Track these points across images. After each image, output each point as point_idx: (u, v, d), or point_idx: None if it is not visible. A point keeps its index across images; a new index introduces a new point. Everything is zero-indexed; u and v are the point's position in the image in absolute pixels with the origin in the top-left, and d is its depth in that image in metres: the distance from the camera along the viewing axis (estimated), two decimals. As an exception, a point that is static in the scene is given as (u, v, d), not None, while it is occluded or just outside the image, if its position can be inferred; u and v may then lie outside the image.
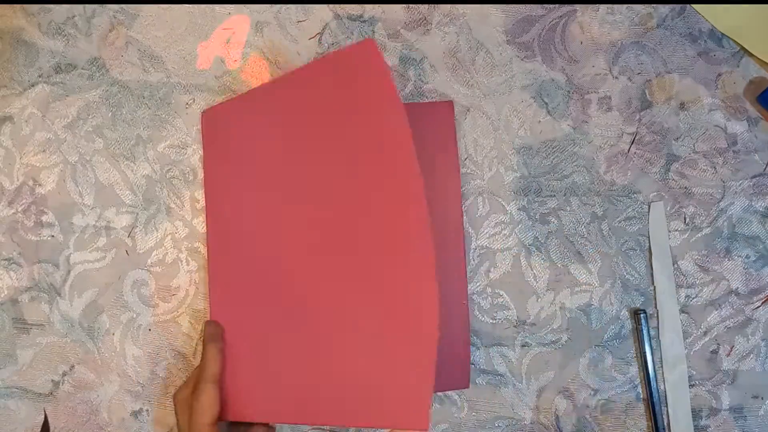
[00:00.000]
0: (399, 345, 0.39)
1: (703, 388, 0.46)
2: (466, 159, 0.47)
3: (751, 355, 0.46)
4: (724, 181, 0.46)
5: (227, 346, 0.43)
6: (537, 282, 0.46)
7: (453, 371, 0.45)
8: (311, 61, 0.44)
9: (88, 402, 0.47)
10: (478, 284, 0.46)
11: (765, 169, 0.46)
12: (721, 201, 0.46)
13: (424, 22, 0.47)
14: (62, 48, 0.48)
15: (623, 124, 0.47)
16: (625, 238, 0.46)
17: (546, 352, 0.46)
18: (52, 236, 0.47)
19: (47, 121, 0.47)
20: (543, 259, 0.46)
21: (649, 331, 0.45)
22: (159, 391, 0.47)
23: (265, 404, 0.42)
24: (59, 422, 0.47)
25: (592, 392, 0.46)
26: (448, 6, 0.47)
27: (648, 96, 0.47)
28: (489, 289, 0.46)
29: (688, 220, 0.46)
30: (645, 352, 0.45)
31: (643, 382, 0.46)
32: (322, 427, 0.46)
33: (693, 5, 0.47)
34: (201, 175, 0.47)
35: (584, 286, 0.46)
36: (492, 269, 0.46)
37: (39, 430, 0.47)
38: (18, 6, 0.48)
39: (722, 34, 0.47)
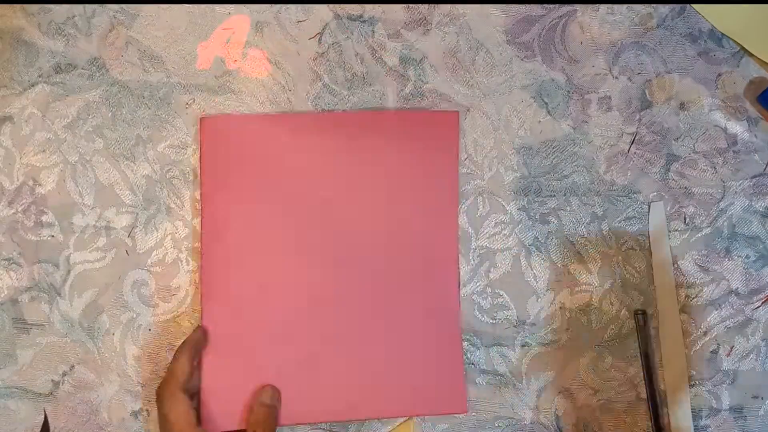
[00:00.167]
0: (423, 331, 0.45)
1: (703, 388, 0.46)
2: (466, 159, 0.47)
3: (751, 355, 0.46)
4: (724, 181, 0.46)
5: (246, 353, 0.44)
6: (537, 282, 0.46)
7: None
8: (392, 111, 0.47)
9: (88, 402, 0.47)
10: (478, 284, 0.46)
11: (765, 169, 0.46)
12: (721, 201, 0.46)
13: (424, 22, 0.47)
14: (62, 48, 0.48)
15: (623, 124, 0.47)
16: (625, 238, 0.46)
17: (546, 352, 0.46)
18: (52, 236, 0.47)
19: (47, 121, 0.47)
20: (543, 259, 0.46)
21: (649, 331, 0.45)
22: (159, 391, 0.47)
23: (299, 406, 0.44)
24: (59, 422, 0.47)
25: (592, 392, 0.46)
26: (448, 6, 0.47)
27: (648, 96, 0.47)
28: (489, 289, 0.46)
29: (688, 220, 0.46)
30: (645, 352, 0.45)
31: (644, 382, 0.46)
32: (321, 426, 0.46)
33: (693, 5, 0.47)
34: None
35: (584, 286, 0.46)
36: (492, 269, 0.46)
37: (39, 430, 0.47)
38: (18, 6, 0.48)
39: (722, 34, 0.47)
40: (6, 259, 0.47)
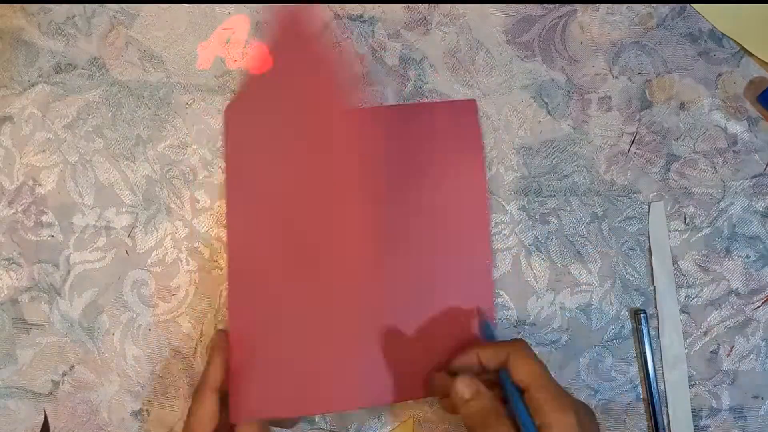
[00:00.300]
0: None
1: (703, 388, 0.46)
2: (466, 159, 0.47)
3: (751, 355, 0.46)
4: (724, 181, 0.46)
5: (254, 347, 0.43)
6: (537, 282, 0.46)
7: None
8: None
9: (88, 402, 0.47)
10: (478, 284, 0.46)
11: (765, 169, 0.46)
12: (721, 201, 0.46)
13: (424, 22, 0.47)
14: (62, 48, 0.48)
15: (623, 124, 0.47)
16: (625, 238, 0.46)
17: (546, 352, 0.46)
18: (52, 236, 0.47)
19: (47, 121, 0.47)
20: (543, 259, 0.46)
21: (649, 331, 0.45)
22: (159, 391, 0.47)
23: (306, 396, 0.43)
24: (59, 422, 0.47)
25: (592, 392, 0.46)
26: (448, 6, 0.47)
27: (648, 96, 0.47)
28: (489, 289, 0.46)
29: (688, 220, 0.46)
30: (645, 352, 0.45)
31: (643, 382, 0.46)
32: (321, 425, 0.46)
33: (693, 5, 0.47)
34: (201, 175, 0.47)
35: (584, 286, 0.46)
36: (492, 269, 0.46)
37: (39, 430, 0.47)
38: (18, 6, 0.48)
39: (722, 34, 0.47)
40: (6, 259, 0.47)
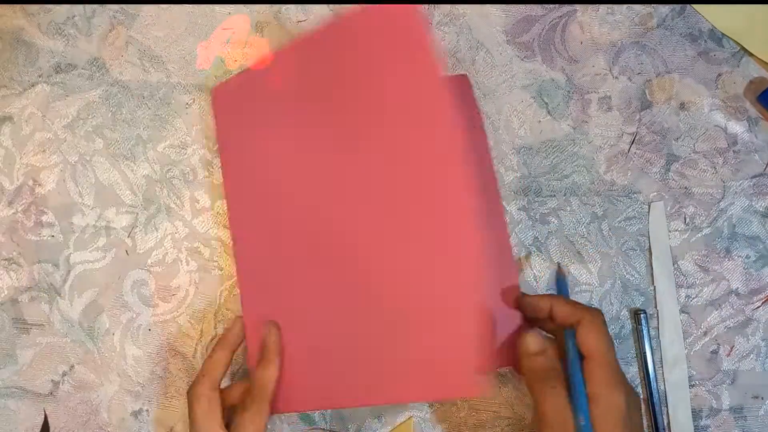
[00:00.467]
0: (448, 312, 0.37)
1: (703, 388, 0.46)
2: (466, 159, 0.47)
3: (751, 355, 0.46)
4: (724, 181, 0.46)
5: (288, 333, 0.42)
6: (537, 282, 0.46)
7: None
8: (344, 13, 0.39)
9: (88, 402, 0.47)
10: (478, 284, 0.46)
11: (765, 169, 0.46)
12: (721, 201, 0.46)
13: (424, 22, 0.47)
14: (62, 48, 0.48)
15: (623, 124, 0.47)
16: (625, 238, 0.46)
17: (546, 352, 0.46)
18: (52, 236, 0.47)
19: (47, 121, 0.47)
20: (543, 259, 0.46)
21: (649, 331, 0.45)
22: (159, 391, 0.47)
23: (316, 392, 0.41)
24: (59, 422, 0.47)
25: (592, 392, 0.46)
26: (448, 6, 0.47)
27: (648, 96, 0.47)
28: (489, 289, 0.46)
29: (688, 220, 0.46)
30: (645, 352, 0.45)
31: (643, 382, 0.46)
32: (321, 425, 0.46)
33: (693, 5, 0.47)
34: (201, 175, 0.47)
35: (584, 286, 0.46)
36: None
37: (39, 430, 0.47)
38: (18, 6, 0.48)
39: (722, 34, 0.47)
40: (6, 259, 0.47)
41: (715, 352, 0.46)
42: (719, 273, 0.46)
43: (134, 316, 0.47)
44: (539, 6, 0.47)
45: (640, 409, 0.37)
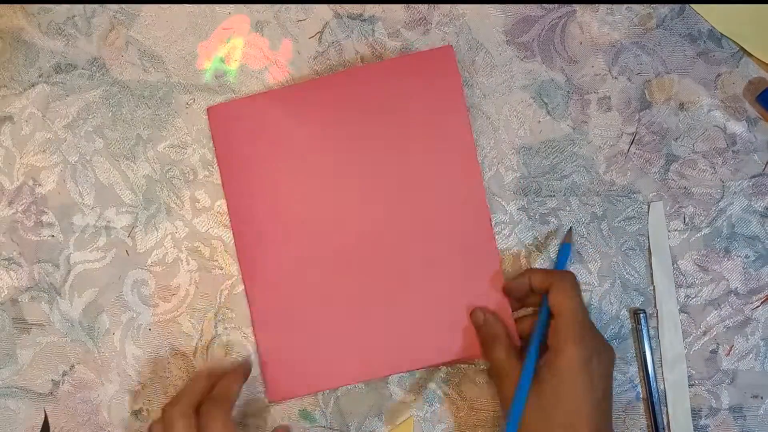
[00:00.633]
0: (461, 273, 0.45)
1: (703, 388, 0.46)
2: (466, 159, 0.47)
3: (751, 355, 0.46)
4: (723, 181, 0.46)
5: (278, 329, 0.46)
6: (537, 282, 0.46)
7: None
8: (387, 59, 0.47)
9: (88, 402, 0.47)
10: (478, 284, 0.46)
11: (764, 169, 0.47)
12: (720, 201, 0.46)
13: (424, 21, 0.47)
14: (62, 48, 0.48)
15: (623, 124, 0.47)
16: (624, 238, 0.46)
17: (546, 352, 0.46)
18: (52, 236, 0.47)
19: (47, 121, 0.47)
20: (543, 259, 0.46)
21: (648, 331, 0.45)
22: (159, 391, 0.47)
23: (333, 370, 0.45)
24: (59, 422, 0.47)
25: (592, 392, 0.46)
26: (448, 6, 0.47)
27: (647, 96, 0.47)
28: (489, 289, 0.46)
29: (687, 220, 0.46)
30: (644, 352, 0.45)
31: (643, 381, 0.46)
32: (321, 423, 0.46)
33: (693, 5, 0.47)
34: (201, 174, 0.47)
35: (584, 286, 0.46)
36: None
37: (39, 430, 0.47)
38: (18, 6, 0.48)
39: (722, 34, 0.47)
40: (6, 259, 0.47)
41: (714, 352, 0.46)
42: (718, 273, 0.46)
43: (134, 315, 0.47)
44: (539, 6, 0.47)
45: (612, 364, 0.40)
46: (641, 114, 0.47)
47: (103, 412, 0.47)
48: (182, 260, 0.47)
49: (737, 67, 0.47)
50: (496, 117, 0.47)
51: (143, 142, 0.47)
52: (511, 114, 0.47)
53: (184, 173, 0.47)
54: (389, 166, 0.45)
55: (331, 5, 0.47)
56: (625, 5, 0.47)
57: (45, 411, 0.47)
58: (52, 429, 0.47)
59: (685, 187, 0.46)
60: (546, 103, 0.47)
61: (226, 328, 0.46)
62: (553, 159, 0.47)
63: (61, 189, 0.47)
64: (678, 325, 0.46)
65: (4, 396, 0.47)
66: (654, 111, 0.47)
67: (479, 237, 0.45)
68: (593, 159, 0.47)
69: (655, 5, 0.47)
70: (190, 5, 0.48)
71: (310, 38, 0.47)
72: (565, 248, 0.45)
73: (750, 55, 0.47)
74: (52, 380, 0.47)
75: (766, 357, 0.46)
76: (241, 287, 0.46)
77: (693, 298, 0.46)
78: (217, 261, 0.47)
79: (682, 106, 0.47)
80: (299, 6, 0.47)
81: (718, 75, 0.47)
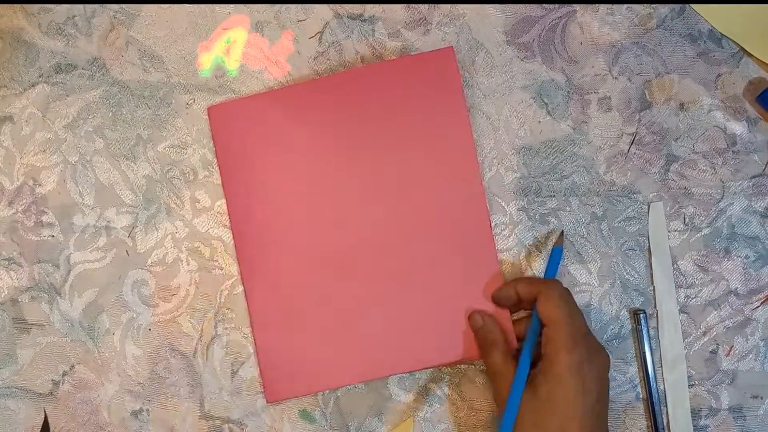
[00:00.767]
0: (461, 274, 0.45)
1: (703, 388, 0.46)
2: (466, 159, 0.47)
3: (751, 355, 0.46)
4: (723, 182, 0.46)
5: (277, 329, 0.46)
6: (537, 282, 0.46)
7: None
8: (388, 60, 0.47)
9: (88, 402, 0.47)
10: (478, 284, 0.46)
11: (764, 169, 0.47)
12: (720, 201, 0.46)
13: (424, 21, 0.47)
14: (62, 48, 0.48)
15: (623, 124, 0.47)
16: (624, 238, 0.46)
17: (546, 352, 0.46)
18: (52, 236, 0.47)
19: (47, 121, 0.47)
20: (543, 259, 0.46)
21: (648, 331, 0.45)
22: (159, 391, 0.47)
23: (331, 371, 0.45)
24: (59, 422, 0.47)
25: (592, 392, 0.46)
26: (448, 6, 0.47)
27: (648, 96, 0.47)
28: (489, 289, 0.46)
29: (687, 220, 0.46)
30: (644, 352, 0.45)
31: (643, 381, 0.46)
32: (320, 422, 0.46)
33: (693, 6, 0.47)
34: (201, 174, 0.47)
35: (584, 286, 0.46)
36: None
37: (39, 430, 0.47)
38: (18, 6, 0.48)
39: (722, 34, 0.47)
40: (6, 259, 0.47)
41: (714, 352, 0.46)
42: (718, 273, 0.46)
43: (134, 315, 0.47)
44: (539, 6, 0.47)
45: (606, 368, 0.41)
46: (641, 114, 0.47)
47: (103, 412, 0.47)
48: (182, 260, 0.47)
49: (737, 67, 0.47)
50: (496, 117, 0.47)
51: (143, 142, 0.47)
52: (512, 114, 0.47)
53: (185, 173, 0.47)
54: (389, 167, 0.45)
55: (331, 5, 0.47)
56: (626, 5, 0.47)
57: (45, 411, 0.47)
58: (52, 429, 0.47)
59: (685, 188, 0.46)
60: (546, 104, 0.47)
61: (226, 328, 0.47)
62: (554, 159, 0.47)
63: (61, 189, 0.47)
64: (678, 326, 0.46)
65: (4, 396, 0.47)
66: (654, 111, 0.47)
67: (478, 238, 0.45)
68: (593, 159, 0.47)
69: (655, 5, 0.47)
70: (190, 5, 0.48)
71: (310, 38, 0.47)
72: (557, 251, 0.45)
73: (750, 55, 0.47)
74: (52, 380, 0.47)
75: (766, 357, 0.46)
76: (241, 287, 0.46)
77: (693, 298, 0.46)
78: (217, 261, 0.47)
79: (682, 106, 0.47)
80: (299, 6, 0.47)
81: (719, 75, 0.47)
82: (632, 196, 0.47)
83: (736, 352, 0.46)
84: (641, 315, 0.45)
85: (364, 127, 0.46)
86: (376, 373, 0.45)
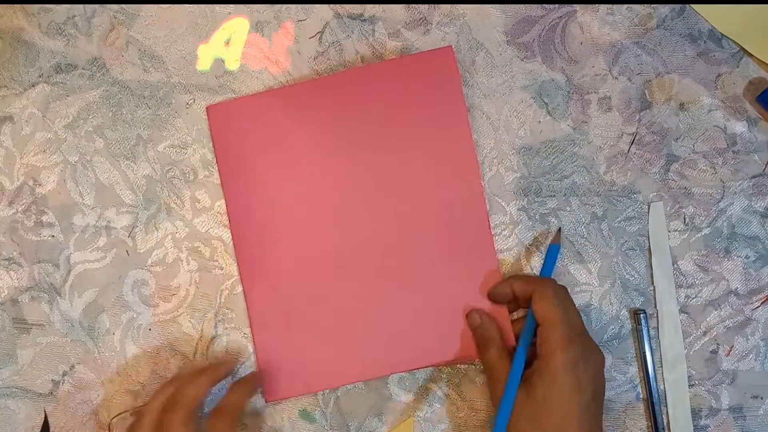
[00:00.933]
0: (460, 272, 0.45)
1: (703, 388, 0.46)
2: (466, 159, 0.47)
3: (751, 355, 0.46)
4: (723, 182, 0.46)
5: (293, 323, 0.46)
6: (537, 282, 0.46)
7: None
8: (388, 60, 0.47)
9: (88, 402, 0.47)
10: (478, 284, 0.46)
11: (764, 169, 0.47)
12: (720, 201, 0.46)
13: (425, 21, 0.47)
14: (62, 48, 0.48)
15: (623, 124, 0.47)
16: (624, 238, 0.46)
17: (546, 352, 0.46)
18: (52, 236, 0.47)
19: (47, 121, 0.47)
20: (542, 258, 0.46)
21: (648, 331, 0.45)
22: (159, 391, 0.47)
23: (331, 370, 0.45)
24: (59, 422, 0.47)
25: (592, 392, 0.46)
26: (448, 6, 0.47)
27: (648, 96, 0.47)
28: (489, 289, 0.46)
29: (687, 220, 0.46)
30: (645, 352, 0.45)
31: (643, 381, 0.46)
32: (320, 422, 0.46)
33: (693, 5, 0.47)
34: (201, 174, 0.47)
35: (584, 286, 0.46)
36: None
37: (39, 430, 0.47)
38: (18, 6, 0.48)
39: (722, 34, 0.47)
40: (6, 259, 0.47)
41: (714, 352, 0.46)
42: (719, 273, 0.46)
43: (134, 315, 0.47)
44: (539, 6, 0.47)
45: (602, 366, 0.40)
46: (641, 114, 0.47)
47: (103, 412, 0.47)
48: (182, 260, 0.47)
49: (737, 67, 0.47)
50: (496, 117, 0.47)
51: (143, 142, 0.47)
52: (512, 114, 0.47)
53: (185, 173, 0.47)
54: (389, 166, 0.45)
55: (331, 5, 0.47)
56: (626, 5, 0.47)
57: (45, 411, 0.47)
58: (52, 429, 0.47)
59: (685, 188, 0.46)
60: (546, 103, 0.47)
61: (226, 328, 0.47)
62: (554, 159, 0.47)
63: (62, 189, 0.47)
64: (678, 326, 0.46)
65: (4, 396, 0.47)
66: (654, 111, 0.47)
67: (477, 238, 0.45)
68: (593, 159, 0.47)
69: (655, 5, 0.47)
70: (190, 5, 0.48)
71: (310, 38, 0.47)
72: (553, 249, 0.45)
73: (750, 55, 0.47)
74: (52, 380, 0.47)
75: (766, 357, 0.46)
76: (241, 287, 0.46)
77: (693, 298, 0.46)
78: (217, 261, 0.47)
79: (682, 106, 0.47)
80: (299, 6, 0.47)
81: (719, 75, 0.47)
82: (632, 196, 0.46)
83: (737, 352, 0.46)
84: (641, 315, 0.45)
85: (363, 126, 0.46)
86: (375, 372, 0.45)
